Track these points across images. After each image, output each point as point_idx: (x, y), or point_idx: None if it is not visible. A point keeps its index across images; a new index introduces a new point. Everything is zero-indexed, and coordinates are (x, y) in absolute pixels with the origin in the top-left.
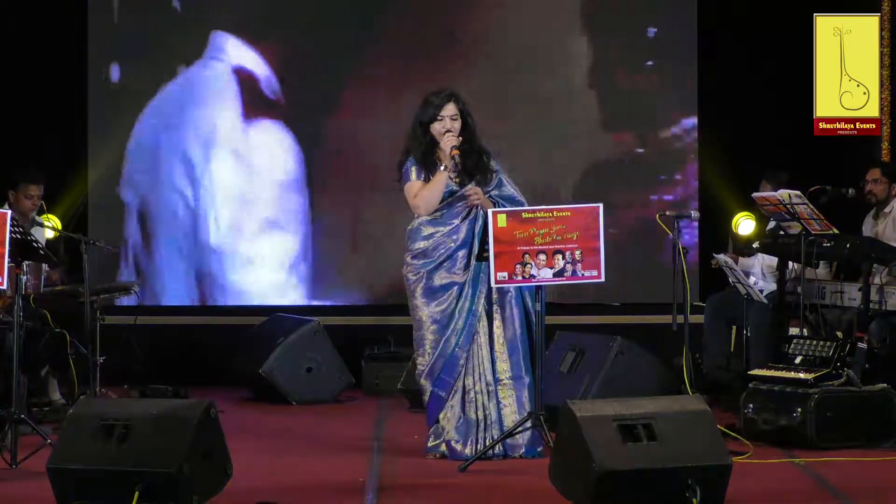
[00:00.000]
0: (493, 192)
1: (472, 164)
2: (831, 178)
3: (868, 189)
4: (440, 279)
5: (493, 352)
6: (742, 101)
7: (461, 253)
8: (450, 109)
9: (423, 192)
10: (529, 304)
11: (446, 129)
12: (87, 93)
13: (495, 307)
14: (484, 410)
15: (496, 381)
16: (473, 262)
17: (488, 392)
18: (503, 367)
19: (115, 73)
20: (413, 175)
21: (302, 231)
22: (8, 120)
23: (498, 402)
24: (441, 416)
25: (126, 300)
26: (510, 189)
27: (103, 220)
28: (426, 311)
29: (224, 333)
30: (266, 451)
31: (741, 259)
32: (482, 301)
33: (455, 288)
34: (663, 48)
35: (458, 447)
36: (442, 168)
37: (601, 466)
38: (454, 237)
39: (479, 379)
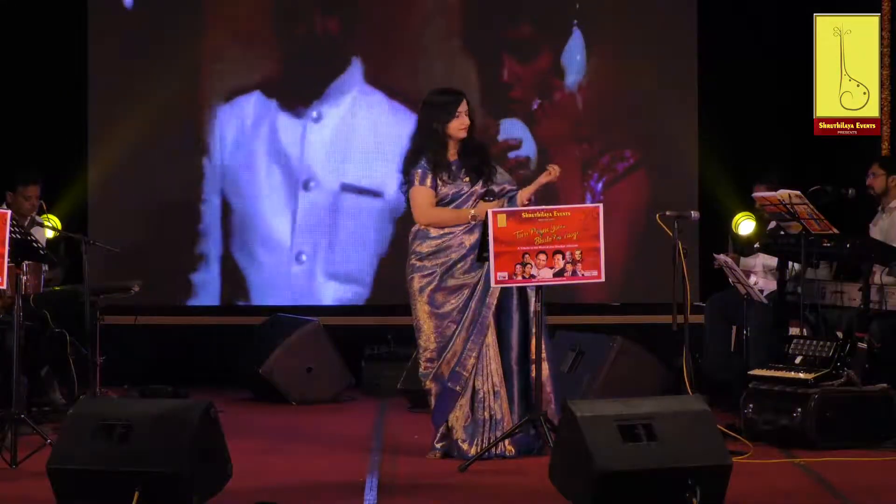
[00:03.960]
0: (495, 189)
1: (478, 161)
2: (831, 178)
3: (868, 183)
4: (452, 280)
5: (501, 352)
6: (742, 101)
7: (473, 255)
8: (464, 106)
9: (440, 215)
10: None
11: (464, 125)
12: (88, 92)
13: (503, 307)
14: (490, 411)
15: (502, 381)
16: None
17: (494, 392)
18: (509, 367)
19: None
20: (425, 180)
21: (302, 231)
22: (8, 120)
23: (504, 402)
24: (451, 416)
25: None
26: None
27: (104, 220)
28: (437, 312)
29: (224, 333)
30: (266, 451)
31: (742, 259)
32: (492, 301)
33: (467, 289)
34: (663, 48)
35: (465, 447)
36: (472, 211)
37: (601, 466)
38: (467, 238)
39: (487, 379)
